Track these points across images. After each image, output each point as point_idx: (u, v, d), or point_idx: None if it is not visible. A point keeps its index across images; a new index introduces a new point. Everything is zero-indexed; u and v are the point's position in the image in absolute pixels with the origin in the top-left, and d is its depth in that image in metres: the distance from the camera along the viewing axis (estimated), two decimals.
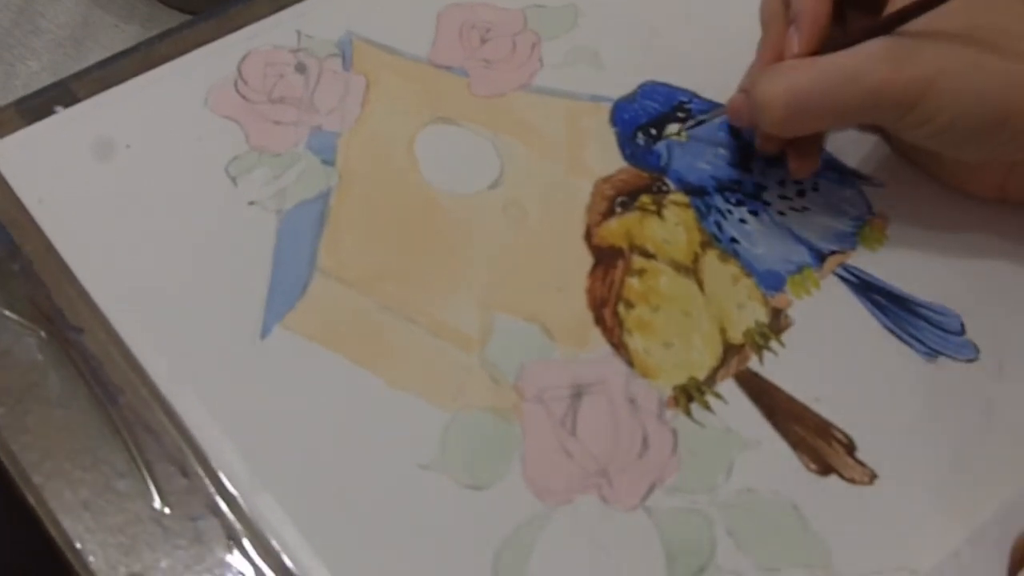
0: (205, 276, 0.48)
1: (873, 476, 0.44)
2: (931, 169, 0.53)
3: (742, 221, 0.51)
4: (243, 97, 0.54)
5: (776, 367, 0.47)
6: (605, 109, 0.55)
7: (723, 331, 0.48)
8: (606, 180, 0.52)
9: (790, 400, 0.46)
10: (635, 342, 0.47)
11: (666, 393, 0.46)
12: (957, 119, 0.46)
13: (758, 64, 0.51)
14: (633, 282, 0.48)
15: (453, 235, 0.50)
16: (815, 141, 0.52)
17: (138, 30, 0.70)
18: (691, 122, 0.54)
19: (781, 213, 0.51)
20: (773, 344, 0.47)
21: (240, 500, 0.42)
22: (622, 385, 0.46)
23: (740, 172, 0.53)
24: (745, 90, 0.51)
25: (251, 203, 0.50)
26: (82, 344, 0.46)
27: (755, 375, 0.47)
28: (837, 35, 0.48)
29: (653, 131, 0.54)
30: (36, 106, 0.53)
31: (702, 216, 0.51)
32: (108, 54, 0.60)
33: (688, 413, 0.45)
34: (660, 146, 0.53)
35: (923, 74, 0.45)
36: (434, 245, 0.49)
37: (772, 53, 0.50)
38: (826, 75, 0.46)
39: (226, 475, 0.43)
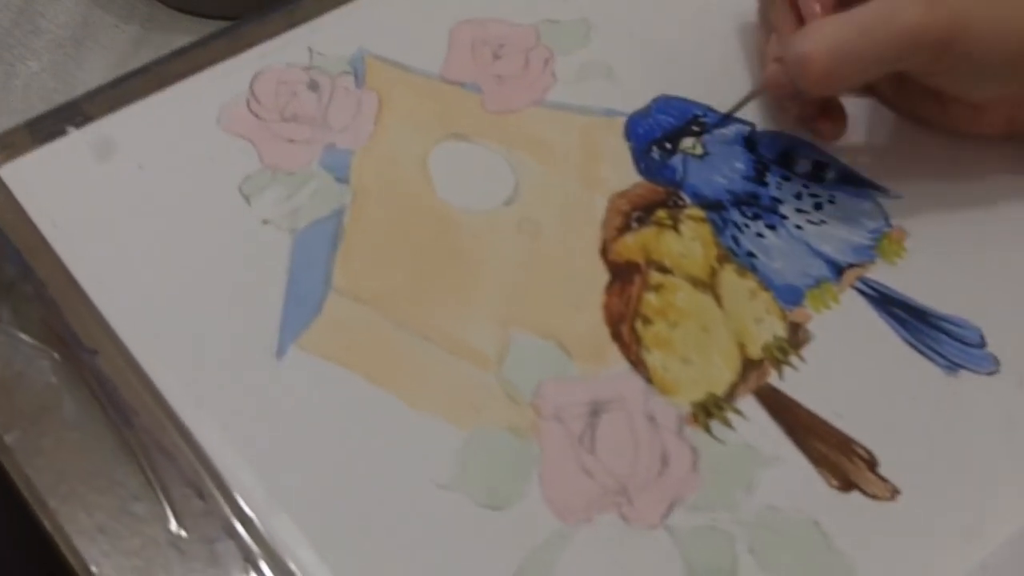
0: (219, 296, 0.47)
1: (895, 492, 0.44)
2: (936, 118, 0.54)
3: (759, 235, 0.51)
4: (255, 116, 0.53)
5: (796, 382, 0.46)
6: (619, 124, 0.54)
7: (742, 346, 0.47)
8: (621, 195, 0.52)
9: (810, 416, 0.45)
10: (653, 358, 0.46)
11: (685, 410, 0.45)
12: (988, 54, 0.47)
13: (782, 32, 0.51)
14: (650, 298, 0.48)
15: (468, 252, 0.49)
16: (838, 104, 0.53)
17: (138, 30, 0.70)
18: (726, 112, 0.54)
19: (798, 227, 0.51)
20: (792, 359, 0.47)
21: (257, 522, 0.42)
22: (640, 402, 0.45)
23: (756, 186, 0.52)
24: (778, 58, 0.51)
25: (265, 222, 0.50)
26: (96, 366, 0.45)
27: (775, 391, 0.46)
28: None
29: (668, 145, 0.53)
30: (47, 126, 0.53)
31: (719, 230, 0.51)
32: (108, 54, 0.60)
33: (707, 430, 0.45)
34: (675, 160, 0.53)
35: (954, 11, 0.46)
36: (449, 262, 0.49)
37: (792, 21, 0.51)
38: (862, 23, 0.47)
39: (242, 497, 0.42)
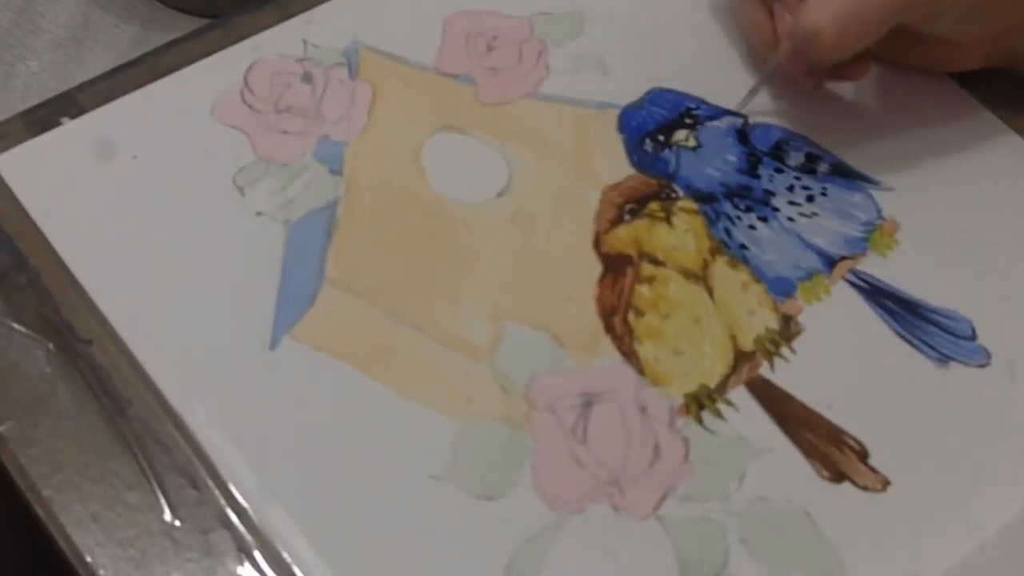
0: (213, 287, 0.48)
1: (886, 483, 0.44)
2: (917, 60, 0.56)
3: (751, 227, 0.51)
4: (250, 107, 0.53)
5: (787, 374, 0.47)
6: (612, 116, 0.54)
7: (734, 338, 0.47)
8: (614, 187, 0.52)
9: (802, 407, 0.46)
10: (645, 350, 0.47)
11: (677, 401, 0.45)
12: None
13: (789, 5, 0.52)
14: (643, 290, 0.48)
15: (461, 244, 0.50)
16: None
17: (138, 30, 0.70)
18: (746, 97, 0.55)
19: (790, 219, 0.51)
20: (784, 351, 0.47)
21: (251, 512, 0.42)
22: (633, 393, 0.46)
23: (749, 178, 0.53)
24: (789, 35, 0.51)
25: (259, 213, 0.50)
26: (91, 356, 0.45)
27: (766, 382, 0.46)
28: None
29: (661, 138, 0.53)
30: (42, 117, 0.53)
31: (711, 223, 0.51)
32: (108, 54, 0.59)
33: (699, 421, 0.45)
34: (668, 153, 0.53)
35: None
36: (442, 254, 0.49)
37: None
38: None
39: (236, 487, 0.42)
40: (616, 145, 0.53)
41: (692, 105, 0.55)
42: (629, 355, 0.47)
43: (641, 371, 0.46)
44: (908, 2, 0.48)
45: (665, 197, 0.51)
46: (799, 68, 0.53)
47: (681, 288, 0.49)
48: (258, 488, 0.42)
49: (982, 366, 0.47)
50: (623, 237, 0.50)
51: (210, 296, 0.47)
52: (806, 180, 0.53)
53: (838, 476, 0.44)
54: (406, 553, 0.41)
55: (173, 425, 0.44)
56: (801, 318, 0.48)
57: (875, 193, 0.53)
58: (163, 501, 0.42)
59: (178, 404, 0.44)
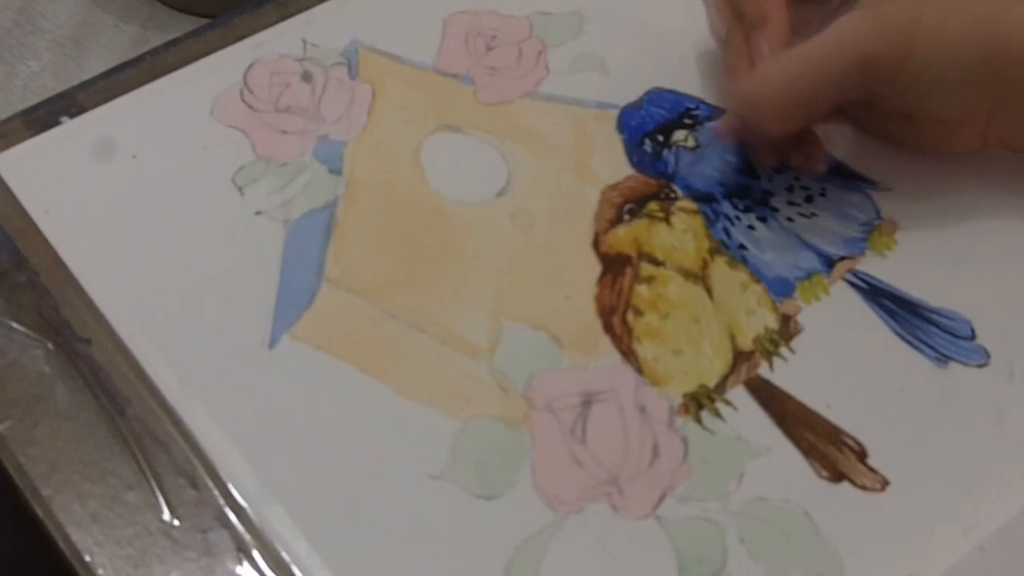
0: (212, 286, 0.48)
1: (885, 483, 0.44)
2: (909, 139, 0.53)
3: (750, 227, 0.51)
4: (249, 106, 0.54)
5: (786, 374, 0.47)
6: (612, 116, 0.55)
7: (733, 338, 0.47)
8: (614, 187, 0.52)
9: (801, 407, 0.46)
10: (644, 350, 0.47)
11: (676, 401, 0.45)
12: (945, 68, 0.46)
13: (733, 78, 0.51)
14: (642, 289, 0.48)
15: (461, 243, 0.50)
16: (810, 135, 0.52)
17: (138, 30, 0.70)
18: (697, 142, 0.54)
19: (789, 219, 0.51)
20: (783, 350, 0.47)
21: (250, 511, 0.42)
22: (632, 393, 0.46)
23: (748, 178, 0.53)
24: (730, 106, 0.51)
25: (258, 213, 0.50)
26: (90, 355, 0.45)
27: (765, 382, 0.46)
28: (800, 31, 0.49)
29: (660, 138, 0.53)
30: (41, 116, 0.53)
31: (710, 223, 0.51)
32: (108, 54, 0.59)
33: (698, 421, 0.45)
34: (667, 153, 0.53)
35: (904, 27, 0.46)
36: (442, 253, 0.49)
37: (744, 65, 0.50)
38: (813, 55, 0.47)
39: (235, 486, 0.42)
40: (615, 145, 0.53)
41: (691, 105, 0.55)
42: (628, 355, 0.47)
43: (640, 371, 0.46)
44: (859, 76, 0.46)
45: (664, 197, 0.51)
46: (735, 139, 0.52)
47: (680, 288, 0.49)
48: (257, 487, 0.42)
49: (981, 366, 0.47)
50: (622, 237, 0.50)
51: (209, 295, 0.47)
52: (805, 180, 0.52)
53: (837, 476, 0.44)
54: (405, 552, 0.41)
55: (172, 424, 0.44)
56: (800, 318, 0.48)
57: (873, 193, 0.52)
58: (162, 500, 0.42)
59: (177, 403, 0.44)
